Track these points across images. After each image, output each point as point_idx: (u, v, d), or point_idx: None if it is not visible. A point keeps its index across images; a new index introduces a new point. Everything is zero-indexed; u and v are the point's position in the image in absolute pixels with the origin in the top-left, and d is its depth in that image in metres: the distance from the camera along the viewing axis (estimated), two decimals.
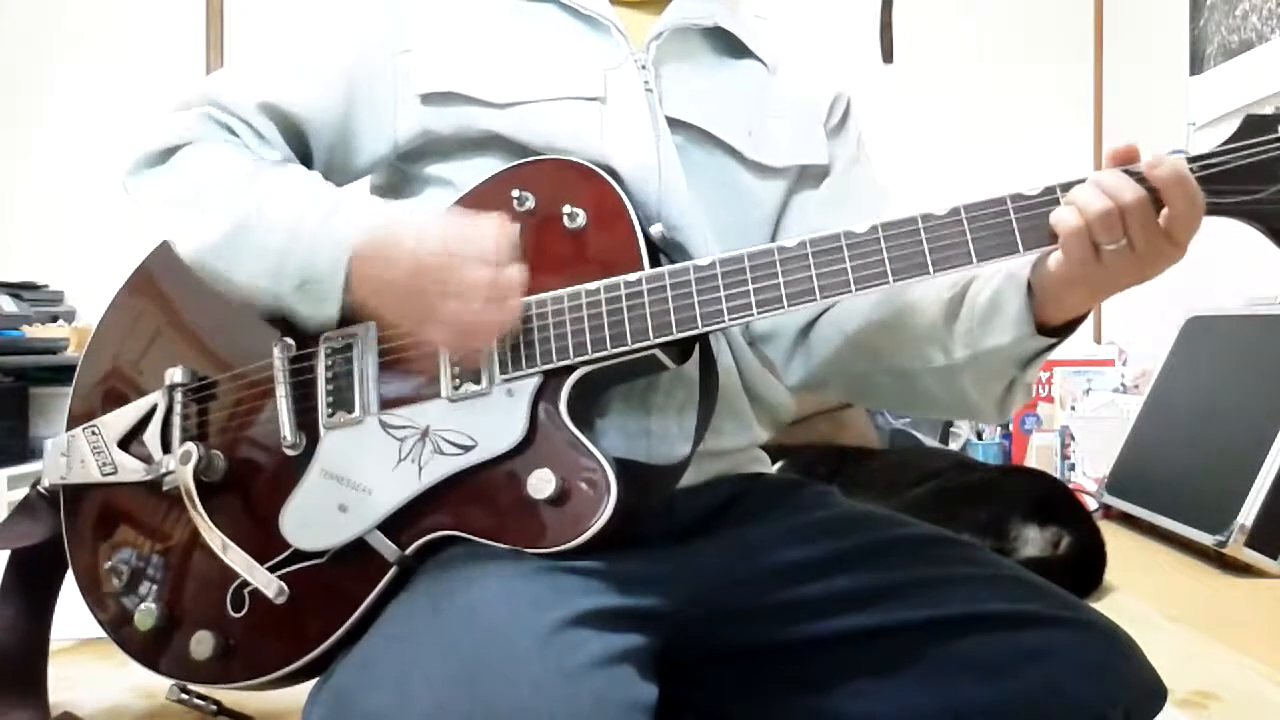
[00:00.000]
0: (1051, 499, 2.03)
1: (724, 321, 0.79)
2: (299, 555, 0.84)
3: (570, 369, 0.81)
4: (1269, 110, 0.74)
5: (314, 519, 0.84)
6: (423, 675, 0.69)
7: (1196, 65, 3.04)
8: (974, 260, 0.76)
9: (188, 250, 0.86)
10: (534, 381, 0.81)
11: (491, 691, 0.66)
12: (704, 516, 0.93)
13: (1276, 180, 0.74)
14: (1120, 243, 0.74)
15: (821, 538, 0.91)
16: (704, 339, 0.84)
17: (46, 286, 3.12)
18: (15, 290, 2.94)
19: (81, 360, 1.00)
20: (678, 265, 0.80)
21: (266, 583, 0.83)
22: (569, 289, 0.81)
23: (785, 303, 0.78)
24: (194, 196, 0.87)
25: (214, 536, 0.85)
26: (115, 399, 0.97)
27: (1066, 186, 0.76)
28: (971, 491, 2.05)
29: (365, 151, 0.93)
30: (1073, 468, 3.04)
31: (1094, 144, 3.54)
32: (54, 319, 2.96)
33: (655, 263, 0.82)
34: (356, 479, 0.83)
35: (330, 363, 0.86)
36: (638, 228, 0.83)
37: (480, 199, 0.87)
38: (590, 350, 0.80)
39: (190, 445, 0.89)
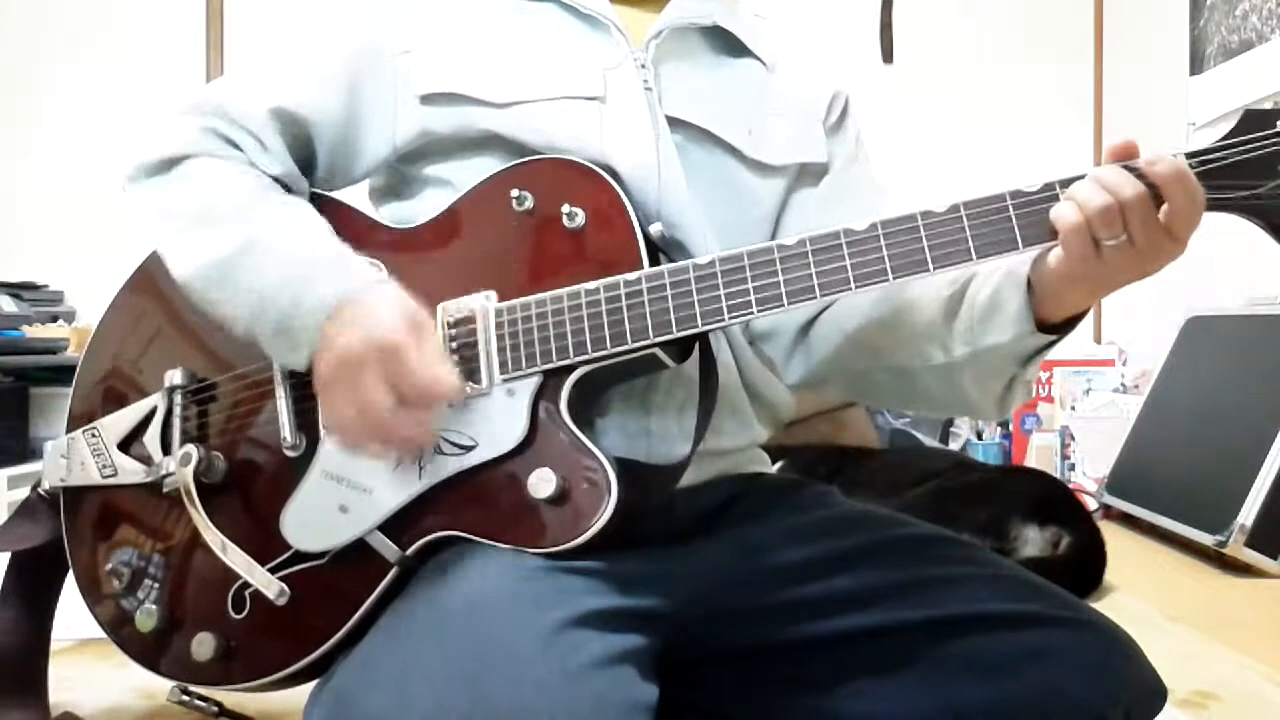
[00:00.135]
0: (1051, 499, 2.03)
1: (724, 320, 0.79)
2: (299, 556, 0.84)
3: (570, 368, 0.81)
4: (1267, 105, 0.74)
5: (314, 520, 0.84)
6: (423, 676, 0.69)
7: (1196, 65, 3.04)
8: (974, 257, 0.76)
9: (177, 272, 0.86)
10: (534, 381, 0.81)
11: (492, 692, 0.66)
12: (704, 516, 0.93)
13: (1276, 175, 0.74)
14: (1120, 238, 0.74)
15: (821, 538, 0.91)
16: (704, 338, 0.84)
17: (46, 286, 3.12)
18: (15, 290, 2.94)
19: (81, 360, 1.01)
20: (677, 264, 0.80)
21: (267, 584, 0.83)
22: (568, 289, 0.81)
23: (785, 301, 0.78)
24: (190, 220, 0.86)
25: (214, 538, 0.85)
26: (115, 399, 0.97)
27: (1066, 183, 0.76)
28: (971, 491, 2.05)
29: (367, 153, 0.93)
30: (1073, 468, 3.04)
31: (1094, 144, 3.55)
32: (54, 319, 2.96)
33: (655, 262, 0.82)
34: (357, 479, 0.83)
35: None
36: (637, 227, 0.82)
37: (479, 199, 0.87)
38: (590, 350, 0.80)
39: (190, 447, 0.89)
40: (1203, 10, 3.01)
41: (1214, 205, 0.74)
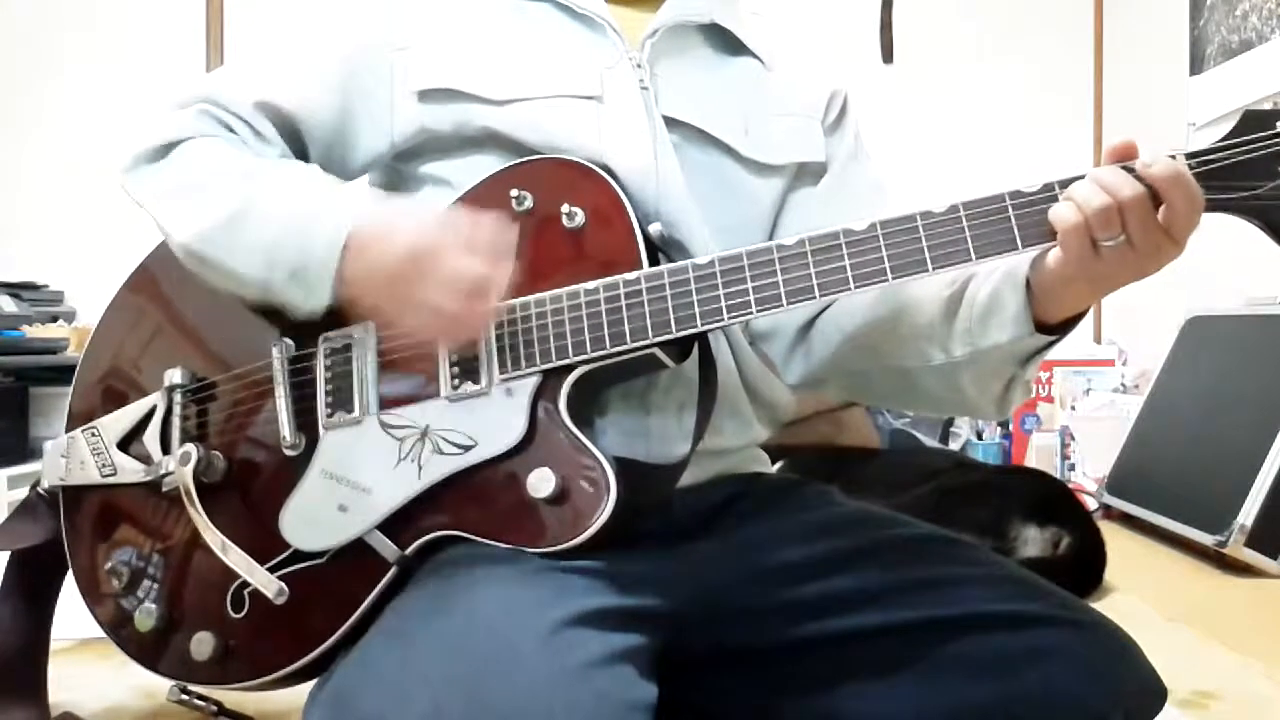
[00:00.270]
0: (1051, 499, 2.03)
1: (723, 320, 0.79)
2: (299, 555, 0.84)
3: (569, 368, 0.81)
4: (1268, 107, 0.74)
5: (314, 519, 0.84)
6: (421, 676, 0.69)
7: (1196, 65, 3.04)
8: (973, 257, 0.76)
9: (183, 238, 0.86)
10: (533, 381, 0.81)
11: (491, 692, 0.66)
12: (704, 516, 0.93)
13: (1276, 176, 0.74)
14: (1119, 239, 0.74)
15: (821, 538, 0.91)
16: (703, 338, 0.84)
17: (46, 286, 3.12)
18: (15, 290, 2.94)
19: (81, 360, 1.00)
20: (676, 264, 0.80)
21: (266, 583, 0.83)
22: (568, 288, 0.81)
23: (784, 301, 0.78)
24: (191, 187, 0.86)
25: (214, 537, 0.85)
26: (115, 399, 0.97)
27: (1065, 183, 0.76)
28: (971, 491, 2.05)
29: (363, 149, 0.93)
30: (1073, 468, 3.04)
31: (1094, 144, 3.55)
32: (54, 319, 2.97)
33: (654, 261, 0.82)
34: (356, 479, 0.83)
35: (329, 363, 0.86)
36: (636, 227, 0.82)
37: (478, 198, 0.87)
38: (589, 349, 0.80)
39: (189, 446, 0.89)
40: (1203, 10, 3.01)
41: (1213, 206, 0.74)
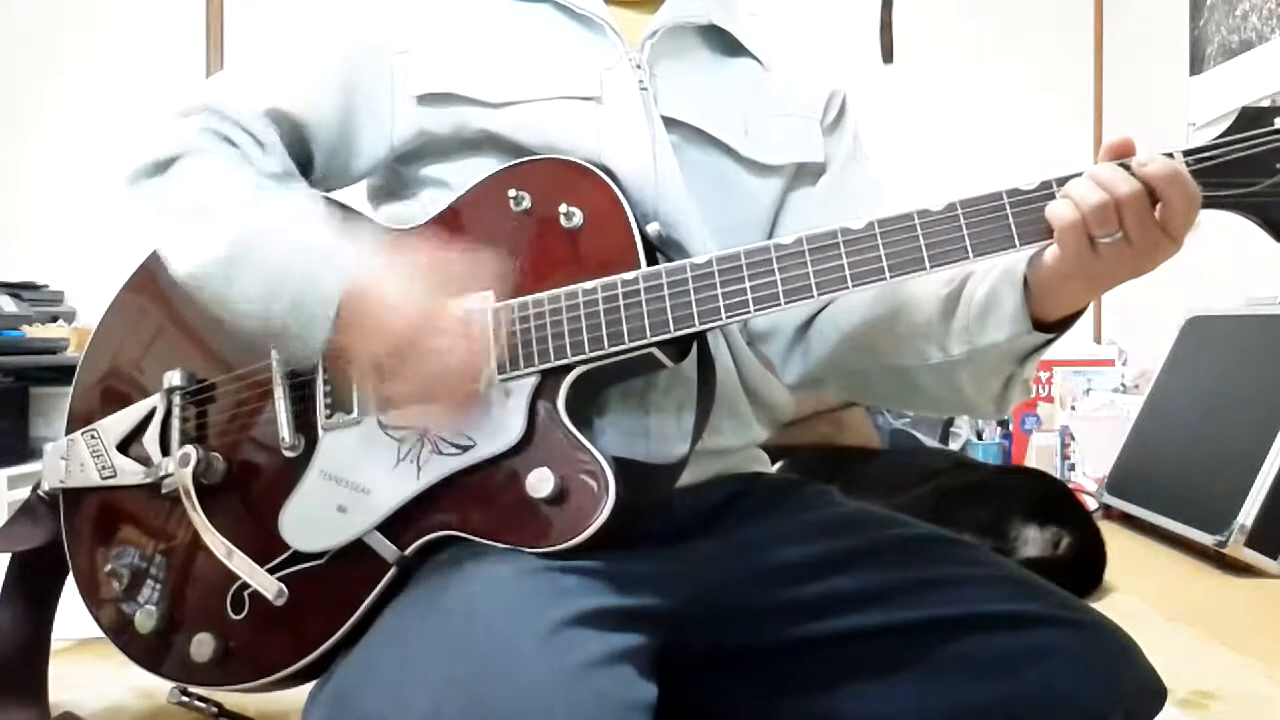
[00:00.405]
0: (1051, 499, 2.03)
1: (721, 319, 0.79)
2: (298, 556, 0.84)
3: (568, 368, 0.81)
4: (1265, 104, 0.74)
5: (313, 520, 0.84)
6: (421, 676, 0.69)
7: (1196, 65, 3.04)
8: (970, 255, 0.76)
9: (184, 268, 0.85)
10: (532, 381, 0.81)
11: (491, 692, 0.66)
12: (703, 516, 0.93)
13: (1273, 173, 0.73)
14: (1116, 236, 0.74)
15: (821, 538, 0.91)
16: (701, 337, 0.84)
17: (46, 286, 3.12)
18: (15, 290, 2.94)
19: (82, 360, 1.00)
20: (674, 264, 0.80)
21: (266, 584, 0.83)
22: (566, 288, 0.81)
23: (782, 300, 0.78)
24: (192, 214, 0.85)
25: (213, 539, 0.85)
26: (115, 399, 0.97)
27: (1063, 181, 0.76)
28: (971, 491, 2.05)
29: (364, 153, 0.92)
30: (1073, 468, 3.04)
31: (1094, 144, 3.55)
32: (54, 319, 2.97)
33: (652, 261, 0.82)
34: (355, 480, 0.83)
35: (328, 364, 0.86)
36: (635, 227, 0.82)
37: (477, 199, 0.87)
38: (588, 349, 0.80)
39: (189, 448, 0.89)
40: (1203, 10, 3.01)
41: (1211, 203, 0.74)
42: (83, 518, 0.97)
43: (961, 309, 0.86)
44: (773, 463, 1.08)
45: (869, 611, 0.87)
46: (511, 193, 0.84)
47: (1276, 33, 2.68)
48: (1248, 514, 2.15)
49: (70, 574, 0.98)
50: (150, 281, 0.97)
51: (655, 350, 0.80)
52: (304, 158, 0.92)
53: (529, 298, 0.82)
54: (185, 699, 1.02)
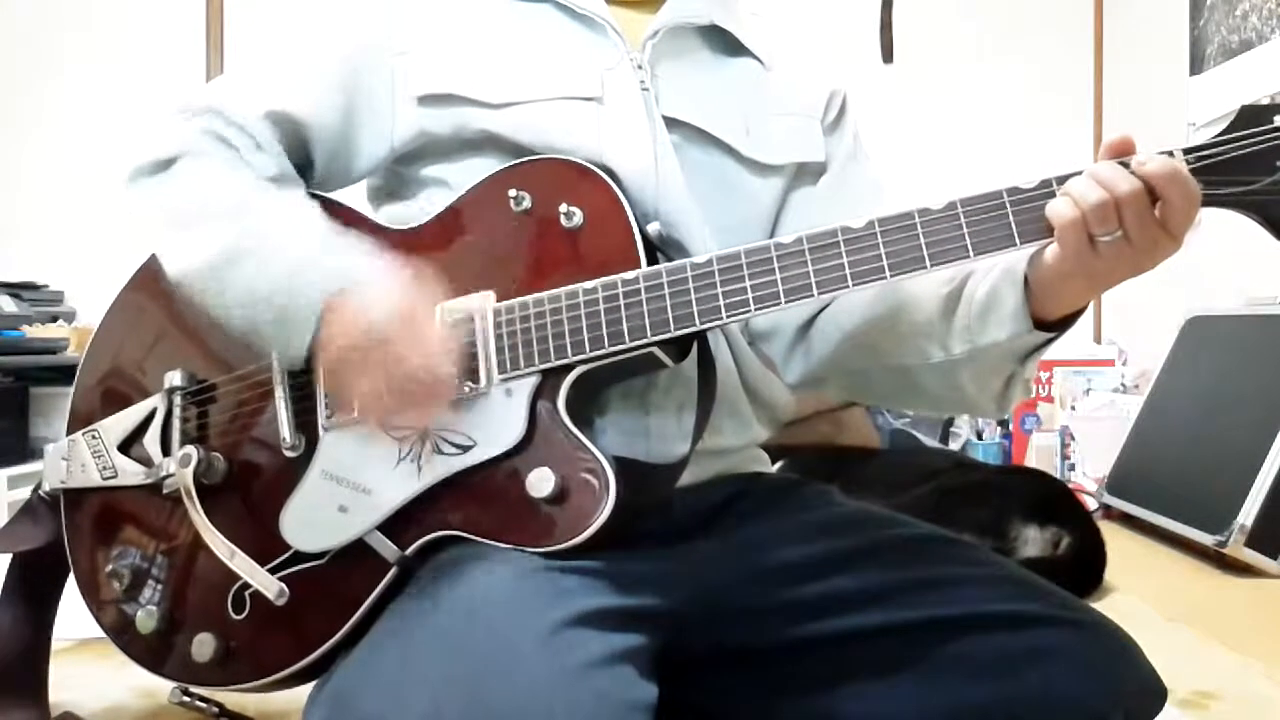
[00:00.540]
0: (1051, 499, 2.03)
1: (721, 318, 0.79)
2: (299, 556, 0.84)
3: (569, 368, 0.81)
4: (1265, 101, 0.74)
5: (314, 520, 0.84)
6: (421, 676, 0.69)
7: (1196, 65, 3.04)
8: (971, 254, 0.76)
9: (175, 271, 0.86)
10: (532, 381, 0.81)
11: (491, 692, 0.66)
12: (704, 516, 0.93)
13: (1273, 170, 0.73)
14: (1115, 234, 0.74)
15: (821, 538, 0.91)
16: (702, 337, 0.84)
17: (46, 286, 3.12)
18: (15, 290, 2.95)
19: (83, 360, 1.00)
20: (675, 263, 0.80)
21: (267, 584, 0.83)
22: (566, 288, 0.81)
23: (782, 299, 0.78)
24: (186, 217, 0.86)
25: (214, 539, 0.85)
26: (117, 399, 0.97)
27: (1062, 179, 0.76)
28: (971, 491, 2.05)
29: (364, 154, 0.92)
30: (1073, 468, 3.04)
31: (1094, 144, 3.55)
32: (54, 319, 2.97)
33: (652, 261, 0.82)
34: (356, 479, 0.83)
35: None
36: (635, 226, 0.82)
37: (477, 199, 0.87)
38: (588, 349, 0.80)
39: (190, 448, 0.89)
40: (1203, 10, 3.01)
41: (1211, 201, 0.74)
42: (84, 518, 0.97)
43: (962, 308, 0.86)
44: (773, 463, 1.08)
45: (869, 611, 0.87)
46: (512, 193, 0.84)
47: (1276, 33, 2.69)
48: (1248, 514, 2.15)
49: (71, 574, 0.98)
50: (151, 282, 0.97)
51: (655, 350, 0.80)
52: (305, 159, 0.92)
53: (529, 297, 0.82)
54: (186, 699, 1.03)
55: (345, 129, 0.91)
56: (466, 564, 0.77)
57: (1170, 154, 0.74)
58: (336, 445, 0.85)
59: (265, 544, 0.85)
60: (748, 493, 0.97)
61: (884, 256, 0.77)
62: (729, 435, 0.94)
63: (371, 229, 0.90)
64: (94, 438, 0.96)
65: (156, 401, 0.93)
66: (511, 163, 0.87)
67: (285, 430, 0.86)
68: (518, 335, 0.81)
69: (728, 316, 0.79)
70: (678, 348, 0.83)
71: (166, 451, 0.91)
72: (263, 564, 0.84)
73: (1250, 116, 0.75)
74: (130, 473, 0.93)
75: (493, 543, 0.79)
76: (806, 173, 1.00)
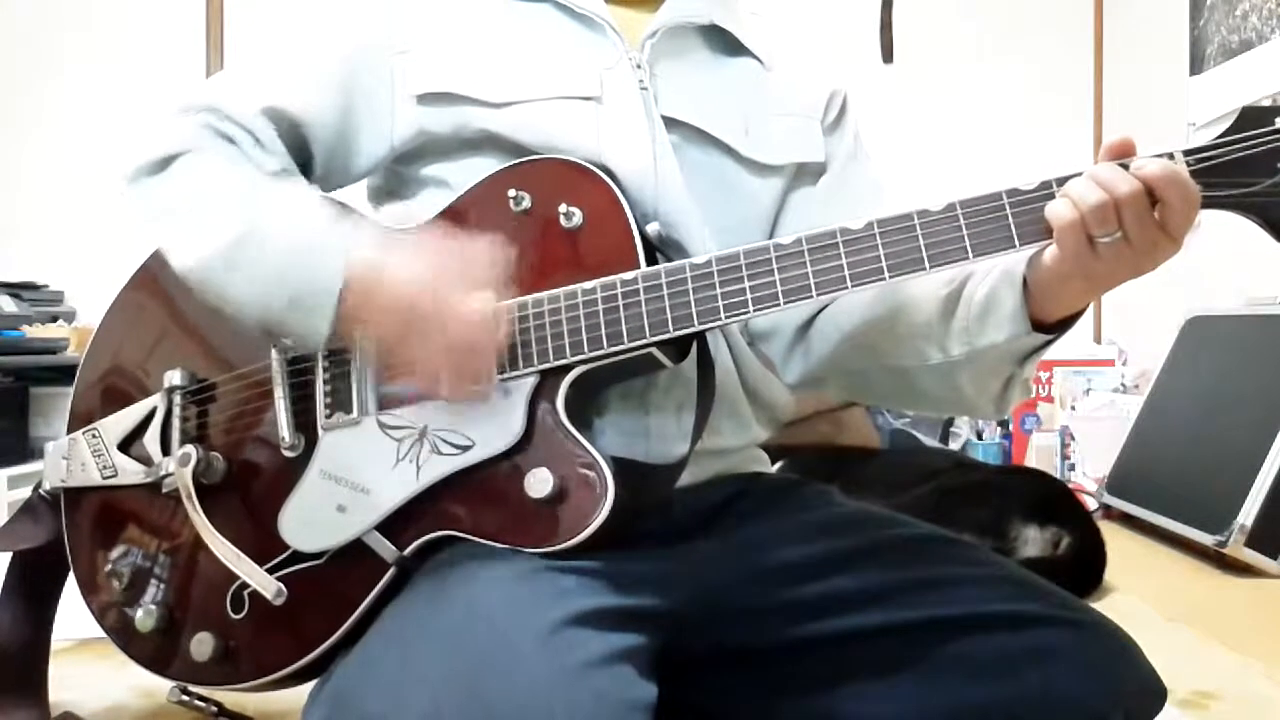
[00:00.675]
0: (1051, 499, 2.03)
1: (720, 319, 0.79)
2: (298, 556, 0.84)
3: (567, 368, 0.81)
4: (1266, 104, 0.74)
5: (313, 520, 0.84)
6: (421, 676, 0.69)
7: (1196, 65, 3.04)
8: (970, 255, 0.76)
9: (182, 263, 0.85)
10: (531, 381, 0.81)
11: (490, 692, 0.66)
12: (703, 516, 0.93)
13: (1273, 172, 0.73)
14: (1115, 235, 0.74)
15: (821, 538, 0.91)
16: (701, 337, 0.84)
17: (46, 286, 3.12)
18: (15, 290, 2.95)
19: (83, 360, 1.01)
20: (674, 264, 0.80)
21: (265, 584, 0.83)
22: (565, 288, 0.81)
23: (781, 300, 0.78)
24: (191, 210, 0.86)
25: (213, 538, 0.85)
26: (117, 399, 0.97)
27: (1062, 181, 0.76)
28: (971, 491, 2.05)
29: (364, 153, 0.92)
30: (1073, 468, 3.04)
31: (1094, 144, 3.55)
32: (54, 319, 2.97)
33: (652, 261, 0.82)
34: (355, 479, 0.83)
35: (328, 364, 0.86)
36: (634, 226, 0.82)
37: (477, 199, 0.87)
38: (587, 349, 0.80)
39: (189, 447, 0.89)
40: (1203, 10, 3.01)
41: (1211, 203, 0.74)
42: (84, 517, 0.97)
43: (961, 309, 0.86)
44: (773, 463, 1.08)
45: (869, 611, 0.87)
46: (511, 193, 0.84)
47: (1276, 33, 2.68)
48: (1248, 514, 2.15)
49: (71, 573, 0.98)
50: (151, 281, 0.98)
51: (655, 350, 0.80)
52: (304, 158, 0.92)
53: (528, 297, 0.82)
54: (185, 698, 1.03)
55: (344, 128, 0.91)
56: (465, 564, 0.77)
57: (1170, 155, 0.74)
58: (335, 445, 0.85)
59: (264, 543, 0.85)
60: (747, 493, 0.97)
61: (883, 258, 0.77)
62: (728, 435, 0.94)
63: (369, 226, 0.90)
64: (94, 437, 0.96)
65: (156, 401, 0.94)
66: (511, 163, 0.87)
67: (284, 430, 0.86)
68: (516, 335, 0.81)
69: (726, 317, 0.79)
70: (677, 348, 0.83)
71: (166, 451, 0.91)
72: (261, 563, 0.84)
73: (1251, 118, 0.74)
74: (130, 472, 0.93)
75: (491, 543, 0.79)
76: (806, 173, 1.00)
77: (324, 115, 0.90)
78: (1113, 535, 2.16)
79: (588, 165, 0.84)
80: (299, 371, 0.87)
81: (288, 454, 0.86)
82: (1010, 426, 3.16)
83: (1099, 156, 0.76)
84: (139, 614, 0.90)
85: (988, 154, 3.31)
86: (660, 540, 0.87)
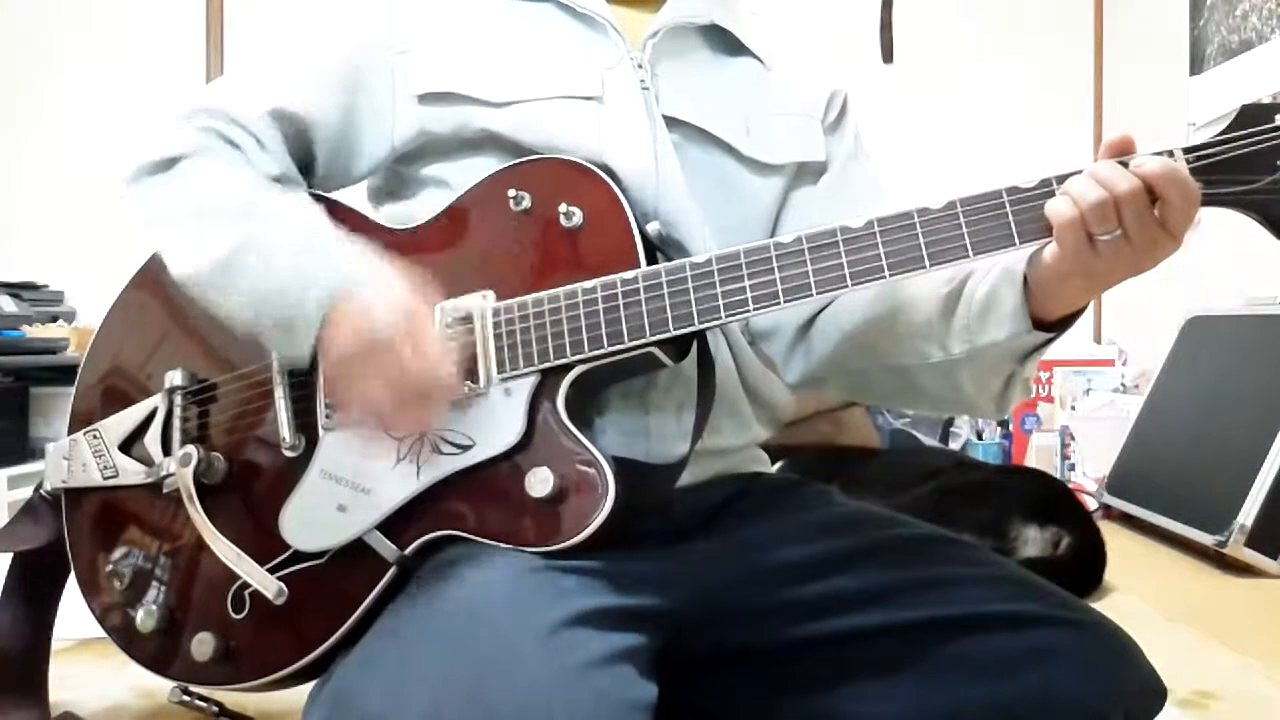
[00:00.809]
0: (1051, 499, 2.03)
1: (720, 318, 0.79)
2: (299, 556, 0.84)
3: (568, 368, 0.81)
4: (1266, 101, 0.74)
5: (313, 519, 0.84)
6: (421, 676, 0.69)
7: (1196, 65, 3.04)
8: (970, 254, 0.76)
9: (177, 271, 0.86)
10: (531, 380, 0.81)
11: (491, 691, 0.66)
12: (703, 516, 0.93)
13: (1273, 170, 0.73)
14: (1115, 233, 0.74)
15: (821, 538, 0.91)
16: (701, 336, 0.84)
17: (46, 286, 3.12)
18: (15, 290, 2.95)
19: (84, 360, 1.01)
20: (674, 263, 0.80)
21: (266, 584, 0.83)
22: (566, 288, 0.81)
23: (781, 299, 0.78)
24: (190, 218, 0.86)
25: (214, 538, 0.85)
26: (118, 399, 0.97)
27: (1062, 179, 0.76)
28: (971, 491, 2.05)
29: (365, 154, 0.93)
30: (1073, 468, 3.04)
31: (1094, 144, 3.55)
32: (54, 319, 2.97)
33: (652, 261, 0.82)
34: (355, 479, 0.83)
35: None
36: (634, 226, 0.82)
37: (477, 199, 0.87)
38: (587, 349, 0.80)
39: (190, 448, 0.89)
40: (1203, 10, 3.02)
41: (1211, 200, 0.74)
42: (84, 517, 0.97)
43: (961, 308, 0.86)
44: (773, 463, 1.08)
45: (869, 611, 0.87)
46: (511, 192, 0.84)
47: (1276, 33, 2.69)
48: (1248, 514, 2.15)
49: (72, 574, 0.98)
50: (153, 281, 0.97)
51: (655, 350, 0.80)
52: (307, 158, 0.92)
53: (529, 297, 0.82)
54: (186, 698, 1.03)
55: (347, 128, 0.91)
56: (466, 564, 0.77)
57: (1170, 153, 0.74)
58: (336, 445, 0.85)
59: (265, 543, 0.85)
60: (748, 493, 0.97)
61: (883, 256, 0.77)
62: (729, 435, 0.94)
63: (372, 229, 0.90)
64: (95, 437, 0.96)
65: (157, 401, 0.94)
66: (511, 162, 0.87)
67: (285, 430, 0.86)
68: (517, 335, 0.81)
69: (726, 316, 0.79)
70: (677, 347, 0.83)
71: (167, 451, 0.92)
72: (262, 563, 0.84)
73: (1251, 115, 0.74)
74: (131, 472, 0.93)
75: (492, 542, 0.79)
76: (807, 172, 1.00)
77: (328, 115, 0.90)
78: (1113, 535, 2.16)
79: (588, 165, 0.84)
80: (300, 371, 0.87)
81: (288, 454, 0.86)
82: (1010, 426, 3.16)
83: (1099, 154, 0.76)
84: (140, 614, 0.90)
85: (988, 154, 3.31)
86: (660, 540, 0.87)
